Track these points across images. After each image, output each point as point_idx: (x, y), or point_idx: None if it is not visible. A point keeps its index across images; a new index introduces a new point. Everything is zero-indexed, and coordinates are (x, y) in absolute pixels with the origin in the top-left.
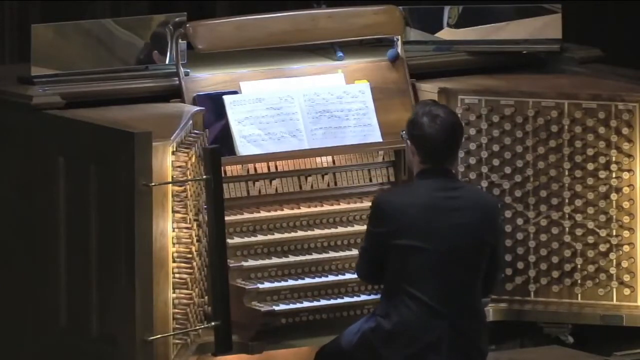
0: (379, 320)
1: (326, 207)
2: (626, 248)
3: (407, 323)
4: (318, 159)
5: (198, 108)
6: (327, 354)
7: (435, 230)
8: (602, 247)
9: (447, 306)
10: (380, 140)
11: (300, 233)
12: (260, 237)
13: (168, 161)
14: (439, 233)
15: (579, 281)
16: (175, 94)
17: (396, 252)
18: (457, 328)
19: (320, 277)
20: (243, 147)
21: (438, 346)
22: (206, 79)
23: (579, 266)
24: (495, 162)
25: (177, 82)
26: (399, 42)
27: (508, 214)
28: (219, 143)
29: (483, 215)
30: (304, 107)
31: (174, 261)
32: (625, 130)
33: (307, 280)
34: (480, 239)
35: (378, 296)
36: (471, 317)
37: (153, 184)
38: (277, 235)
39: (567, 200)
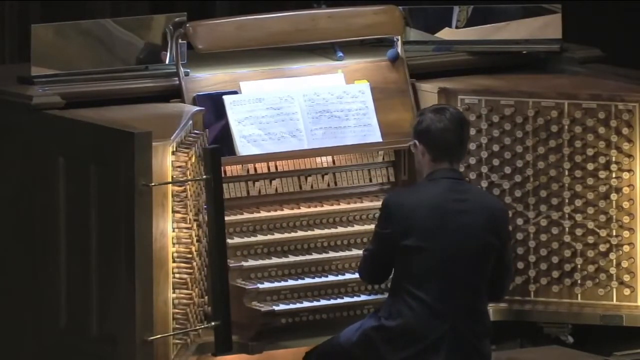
0: (381, 320)
1: (326, 207)
2: (626, 248)
3: (409, 323)
4: (318, 159)
5: (198, 108)
6: (324, 351)
7: (441, 232)
8: (602, 247)
9: (449, 307)
10: (380, 140)
11: (300, 233)
12: (260, 237)
13: (168, 161)
14: (444, 234)
15: (579, 281)
16: (175, 94)
17: (402, 253)
18: (457, 329)
19: (320, 277)
20: (243, 147)
21: (438, 347)
22: (206, 79)
23: (579, 266)
24: (495, 162)
25: (177, 82)
26: (399, 42)
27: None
28: (219, 143)
29: (488, 218)
30: (304, 107)
31: (174, 261)
32: (625, 130)
33: (307, 280)
34: (484, 242)
35: (378, 296)
36: (473, 319)
37: (153, 184)
38: (277, 235)
39: (567, 200)
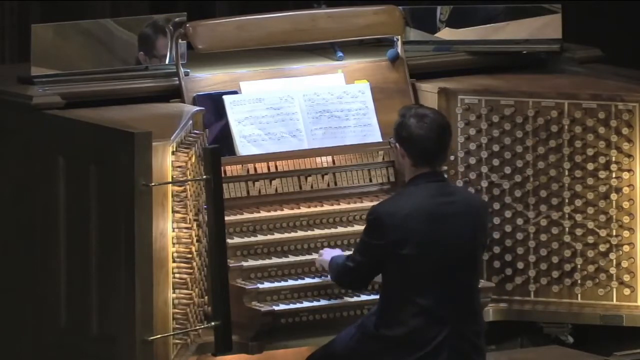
0: (380, 330)
1: (326, 207)
2: (626, 248)
3: (412, 331)
4: (318, 159)
5: (198, 108)
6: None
7: (435, 237)
8: (602, 247)
9: (449, 310)
10: (380, 140)
11: (300, 233)
12: (260, 237)
13: (168, 161)
14: (439, 239)
15: (579, 281)
16: (175, 94)
17: (397, 262)
18: (458, 331)
19: (320, 277)
20: (243, 147)
21: (440, 351)
22: (206, 79)
23: (579, 266)
24: (495, 162)
25: (177, 82)
26: (399, 42)
27: (508, 214)
28: (219, 143)
29: (477, 218)
30: (304, 107)
31: (174, 261)
32: (625, 130)
33: (307, 280)
34: (476, 242)
35: (378, 296)
36: (471, 319)
37: (153, 184)
38: (277, 235)
39: (567, 200)
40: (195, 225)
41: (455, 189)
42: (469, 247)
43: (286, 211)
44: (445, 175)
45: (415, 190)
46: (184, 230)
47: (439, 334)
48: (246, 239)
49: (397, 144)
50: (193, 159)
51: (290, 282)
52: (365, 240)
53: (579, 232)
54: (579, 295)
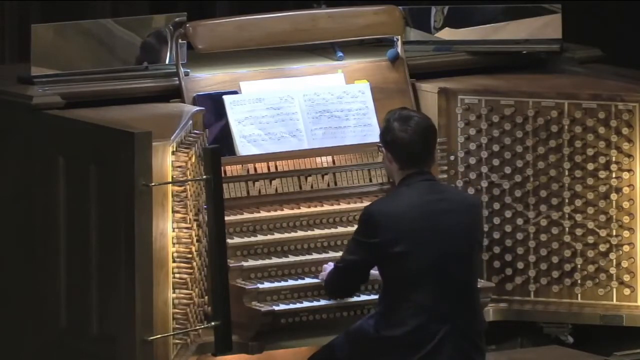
0: (380, 331)
1: (326, 207)
2: (626, 248)
3: (411, 331)
4: (318, 159)
5: (198, 108)
6: None
7: (431, 234)
8: (602, 247)
9: (448, 309)
10: None
11: (300, 233)
12: (260, 237)
13: (168, 161)
14: (435, 236)
15: (579, 281)
16: (175, 94)
17: (393, 261)
18: (458, 329)
19: (320, 277)
20: (243, 147)
21: (440, 349)
22: (206, 79)
23: (579, 266)
24: (495, 162)
25: (177, 82)
26: (399, 42)
27: (508, 214)
28: (219, 143)
29: (472, 214)
30: (304, 107)
31: (174, 261)
32: (625, 130)
33: (307, 280)
34: (472, 238)
35: (377, 296)
36: (471, 318)
37: (153, 184)
38: (277, 235)
39: (567, 200)
40: (195, 225)
41: (446, 187)
42: (464, 243)
43: (286, 211)
44: (445, 175)
45: (407, 190)
46: (184, 230)
47: (439, 332)
48: (246, 239)
49: (384, 149)
50: (193, 159)
51: (290, 282)
52: (357, 238)
53: (579, 232)
54: (579, 295)
